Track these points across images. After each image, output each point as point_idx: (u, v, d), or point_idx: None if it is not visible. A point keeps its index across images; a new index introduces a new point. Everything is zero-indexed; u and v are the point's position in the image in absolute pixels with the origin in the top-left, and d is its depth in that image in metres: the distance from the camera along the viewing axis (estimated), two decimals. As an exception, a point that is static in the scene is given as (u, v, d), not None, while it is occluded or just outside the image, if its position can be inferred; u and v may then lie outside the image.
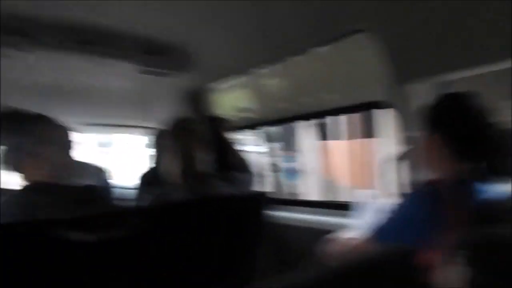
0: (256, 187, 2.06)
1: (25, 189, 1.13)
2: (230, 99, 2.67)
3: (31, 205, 1.08)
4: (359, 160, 8.01)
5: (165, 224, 1.15)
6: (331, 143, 9.26)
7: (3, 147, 1.13)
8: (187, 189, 1.44)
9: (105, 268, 1.05)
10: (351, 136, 8.45)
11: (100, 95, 2.51)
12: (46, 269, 0.98)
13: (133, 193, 1.98)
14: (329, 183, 9.01)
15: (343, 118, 8.43)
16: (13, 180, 1.23)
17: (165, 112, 2.76)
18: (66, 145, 1.22)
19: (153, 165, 2.10)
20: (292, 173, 8.96)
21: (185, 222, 1.19)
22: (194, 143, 1.48)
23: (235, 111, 2.65)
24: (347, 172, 8.44)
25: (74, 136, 1.23)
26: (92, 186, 1.24)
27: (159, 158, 1.74)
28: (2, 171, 1.18)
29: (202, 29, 1.82)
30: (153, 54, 2.03)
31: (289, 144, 9.51)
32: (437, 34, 1.19)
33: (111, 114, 2.76)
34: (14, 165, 1.14)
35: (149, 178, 1.68)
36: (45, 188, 1.12)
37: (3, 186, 1.25)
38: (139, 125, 2.98)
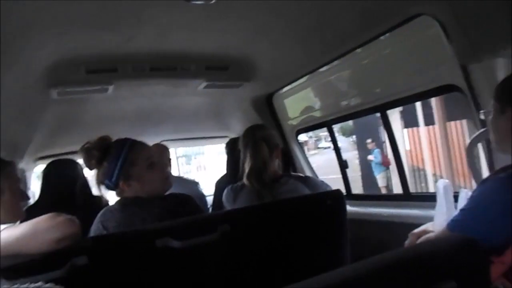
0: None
1: (123, 202, 1.29)
2: (297, 101, 2.70)
3: (127, 216, 1.24)
4: (444, 146, 7.54)
5: (251, 226, 1.23)
6: (413, 131, 8.91)
7: (103, 171, 1.31)
8: (266, 190, 1.54)
9: (201, 270, 1.16)
10: (429, 122, 8.00)
11: (176, 113, 2.72)
12: (150, 274, 1.11)
13: (216, 200, 2.12)
14: (417, 173, 8.63)
15: (418, 105, 8.04)
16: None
17: (237, 121, 2.90)
18: (159, 163, 1.37)
19: (230, 171, 2.25)
20: (378, 164, 8.89)
21: (268, 223, 1.26)
22: (268, 147, 1.60)
23: (304, 112, 2.68)
24: (432, 159, 7.99)
25: (167, 154, 1.38)
26: (184, 196, 1.38)
27: (235, 164, 1.86)
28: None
29: (260, 39, 1.90)
30: (218, 69, 2.17)
31: (373, 136, 9.41)
32: (503, 9, 1.11)
33: (189, 128, 2.98)
34: (113, 187, 1.31)
35: (226, 184, 1.79)
36: (141, 200, 1.28)
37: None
38: (216, 135, 3.16)
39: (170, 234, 1.16)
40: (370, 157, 9.44)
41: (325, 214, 1.38)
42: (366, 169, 9.86)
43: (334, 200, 1.42)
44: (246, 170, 1.59)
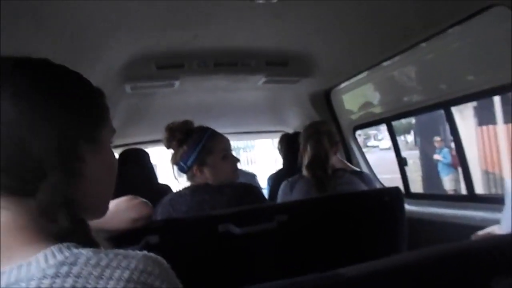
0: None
1: (194, 189, 1.39)
2: (355, 96, 2.67)
3: (198, 202, 1.33)
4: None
5: (308, 218, 1.28)
6: (487, 129, 8.19)
7: (181, 152, 1.41)
8: (325, 180, 1.60)
9: (258, 256, 1.23)
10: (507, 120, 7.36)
11: (236, 107, 2.83)
12: (216, 259, 1.20)
13: (272, 193, 2.19)
14: (488, 175, 7.90)
15: (496, 101, 7.39)
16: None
17: (294, 116, 2.94)
18: (231, 155, 1.46)
19: (288, 163, 2.30)
20: (447, 165, 8.18)
21: (325, 216, 1.30)
22: (329, 141, 1.67)
23: (362, 108, 2.64)
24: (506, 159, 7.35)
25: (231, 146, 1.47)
26: (250, 185, 1.46)
27: (293, 157, 1.92)
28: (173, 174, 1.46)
29: (320, 36, 1.91)
30: (277, 65, 2.22)
31: (441, 135, 8.75)
32: None
33: (247, 122, 3.07)
34: (186, 170, 1.41)
35: (283, 177, 1.85)
36: (211, 188, 1.37)
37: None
38: (272, 130, 3.23)
39: (232, 220, 1.23)
40: (437, 156, 8.65)
41: (382, 210, 1.38)
42: (429, 170, 9.04)
43: (392, 197, 1.42)
44: (306, 160, 1.66)
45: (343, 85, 2.57)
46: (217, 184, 1.36)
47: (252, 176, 2.45)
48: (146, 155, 2.26)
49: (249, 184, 1.47)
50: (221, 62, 2.13)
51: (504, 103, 7.38)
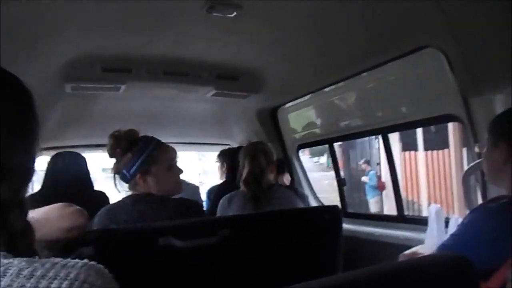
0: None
1: (136, 198, 1.33)
2: (299, 117, 2.77)
3: (139, 212, 1.28)
4: (436, 172, 7.58)
5: (250, 233, 1.28)
6: (407, 155, 8.84)
7: (125, 161, 1.35)
8: (261, 194, 1.69)
9: (200, 270, 1.20)
10: (426, 148, 8.03)
11: (183, 117, 2.79)
12: (151, 270, 1.16)
13: (212, 206, 2.17)
14: (408, 199, 8.45)
15: (418, 131, 8.04)
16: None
17: (240, 131, 2.97)
18: (177, 167, 1.43)
19: (229, 179, 2.31)
20: (373, 188, 8.44)
21: (267, 231, 1.31)
22: (266, 159, 1.76)
23: (306, 128, 2.74)
24: (424, 185, 8.01)
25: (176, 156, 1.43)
26: (193, 202, 1.44)
27: (234, 172, 1.95)
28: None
29: (272, 54, 1.97)
30: (228, 79, 2.24)
31: (367, 158, 9.19)
32: (506, 48, 1.19)
33: (194, 133, 3.03)
34: (128, 178, 1.35)
35: (224, 191, 1.87)
36: (154, 199, 1.32)
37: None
38: (218, 142, 3.22)
39: (174, 233, 1.20)
40: (364, 178, 8.84)
41: (322, 227, 1.43)
42: (351, 191, 8.99)
43: (332, 215, 1.47)
44: (244, 176, 1.73)
45: (289, 104, 2.66)
46: (160, 195, 1.33)
47: (196, 188, 2.42)
48: (82, 160, 2.12)
49: (192, 200, 1.45)
50: (171, 71, 2.10)
51: (424, 130, 8.01)
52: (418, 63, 1.71)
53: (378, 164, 9.07)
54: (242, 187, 1.74)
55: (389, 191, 7.75)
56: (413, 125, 1.98)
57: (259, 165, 1.73)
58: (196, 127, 2.94)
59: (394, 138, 8.25)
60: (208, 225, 1.32)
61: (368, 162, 8.99)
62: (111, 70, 1.94)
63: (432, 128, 7.54)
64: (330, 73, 2.09)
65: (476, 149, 1.30)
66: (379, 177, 8.56)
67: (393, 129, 2.09)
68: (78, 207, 1.06)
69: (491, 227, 0.98)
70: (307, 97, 2.48)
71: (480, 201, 1.51)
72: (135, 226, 1.22)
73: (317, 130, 2.69)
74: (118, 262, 1.14)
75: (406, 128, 2.16)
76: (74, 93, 2.10)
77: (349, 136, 2.54)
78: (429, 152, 8.12)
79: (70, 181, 1.97)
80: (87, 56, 1.79)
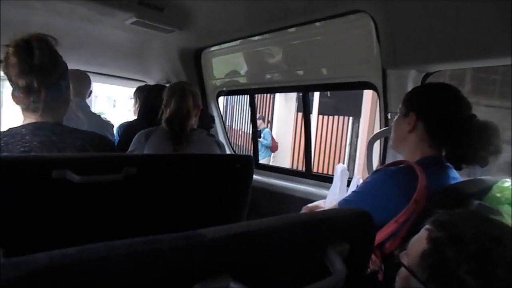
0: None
1: (38, 127, 1.16)
2: (223, 63, 2.68)
3: (42, 143, 1.12)
4: (333, 135, 8.15)
5: (158, 174, 1.22)
6: (309, 117, 9.03)
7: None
8: (182, 136, 1.65)
9: (100, 210, 1.12)
10: (322, 112, 8.33)
11: (95, 43, 2.48)
12: (45, 204, 1.04)
13: (123, 143, 2.03)
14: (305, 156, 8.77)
15: (316, 94, 8.30)
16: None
17: (160, 69, 2.77)
18: (77, 90, 1.25)
19: (143, 115, 2.18)
20: (266, 147, 7.91)
21: (178, 173, 1.26)
22: (192, 102, 1.70)
23: (229, 75, 2.67)
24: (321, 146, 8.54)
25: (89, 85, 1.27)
26: (102, 135, 1.30)
27: (150, 110, 1.84)
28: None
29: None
30: (152, 7, 2.02)
31: (262, 115, 9.07)
32: (431, 26, 1.25)
33: (106, 63, 2.73)
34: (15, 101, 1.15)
35: (137, 128, 1.76)
36: (62, 128, 1.16)
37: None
38: (134, 78, 2.97)
39: (70, 167, 1.08)
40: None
41: (233, 175, 1.43)
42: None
43: (244, 165, 1.48)
44: (168, 114, 1.66)
45: (214, 48, 2.54)
46: (68, 126, 1.17)
47: (111, 126, 2.23)
48: None
49: (103, 135, 1.31)
50: (85, -16, 1.82)
51: (321, 95, 7.94)
52: (347, 27, 1.73)
53: (270, 122, 8.84)
54: (163, 125, 1.67)
55: (277, 153, 7.98)
56: (333, 87, 2.05)
57: (187, 106, 1.67)
58: (108, 57, 2.65)
59: (291, 97, 8.20)
60: (112, 161, 1.21)
61: (263, 119, 8.13)
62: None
63: (328, 93, 7.66)
64: (261, 23, 2.02)
65: (389, 116, 1.39)
66: (273, 137, 8.03)
67: (313, 88, 2.14)
68: None
69: (388, 186, 1.08)
70: (233, 43, 2.38)
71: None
72: (24, 155, 1.07)
73: (239, 79, 2.64)
74: (9, 193, 1.00)
75: (325, 89, 2.23)
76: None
77: (269, 90, 2.54)
78: (321, 116, 8.17)
79: None
80: None
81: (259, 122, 7.34)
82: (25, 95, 1.14)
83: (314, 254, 0.49)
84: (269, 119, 8.96)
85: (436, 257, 0.64)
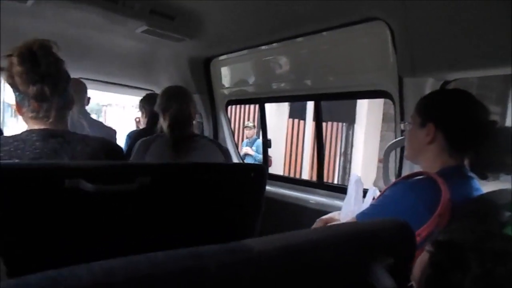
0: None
1: (48, 133, 1.14)
2: (232, 72, 2.67)
3: (52, 150, 1.10)
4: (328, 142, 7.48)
5: (172, 183, 1.19)
6: (321, 126, 8.73)
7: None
8: (183, 142, 1.60)
9: (111, 218, 1.09)
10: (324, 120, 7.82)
11: (105, 52, 2.47)
12: (56, 213, 1.01)
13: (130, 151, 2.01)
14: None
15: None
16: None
17: (168, 77, 2.76)
18: (77, 98, 1.23)
19: (147, 125, 2.16)
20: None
21: (191, 183, 1.23)
22: (192, 107, 1.67)
23: (238, 84, 2.65)
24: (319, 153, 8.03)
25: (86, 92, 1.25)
26: (113, 143, 1.27)
27: (155, 118, 1.82)
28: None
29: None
30: (163, 16, 2.02)
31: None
32: (449, 33, 1.23)
33: (114, 72, 2.72)
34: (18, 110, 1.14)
35: (143, 136, 1.74)
36: (72, 136, 1.14)
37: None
38: (143, 87, 2.96)
39: (84, 175, 1.05)
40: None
41: (246, 185, 1.40)
42: None
43: (257, 174, 1.45)
44: (168, 119, 1.60)
45: (223, 57, 2.53)
46: (79, 133, 1.15)
47: (114, 132, 2.22)
48: None
49: (114, 142, 1.29)
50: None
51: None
52: (359, 34, 1.71)
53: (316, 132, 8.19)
54: (166, 132, 1.61)
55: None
56: (347, 96, 2.02)
57: (189, 109, 1.62)
58: (117, 65, 2.64)
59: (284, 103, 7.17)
60: (126, 170, 1.18)
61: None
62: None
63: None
64: (271, 31, 2.01)
65: (402, 127, 1.35)
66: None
67: (326, 97, 2.12)
68: None
69: (409, 199, 1.04)
70: (243, 52, 2.37)
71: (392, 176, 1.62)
72: (36, 163, 1.04)
73: (249, 88, 2.62)
74: (19, 202, 0.97)
75: (338, 98, 2.20)
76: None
77: (279, 99, 2.52)
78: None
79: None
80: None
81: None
82: (38, 103, 1.12)
83: (357, 267, 0.45)
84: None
85: (442, 283, 0.60)
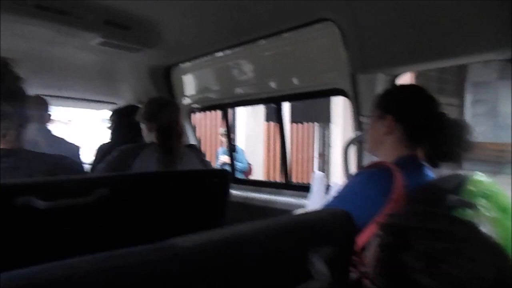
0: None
1: (5, 154, 1.10)
2: (194, 79, 2.66)
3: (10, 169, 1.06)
4: (304, 143, 7.44)
5: (133, 194, 1.17)
6: (283, 128, 8.50)
7: None
8: (174, 154, 1.58)
9: (67, 233, 1.06)
10: (293, 120, 7.48)
11: (61, 66, 2.41)
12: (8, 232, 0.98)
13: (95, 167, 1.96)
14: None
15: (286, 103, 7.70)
16: None
17: (129, 88, 2.71)
18: (37, 115, 1.20)
19: (116, 139, 2.11)
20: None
21: (152, 192, 1.22)
22: (177, 118, 1.64)
23: (201, 92, 2.65)
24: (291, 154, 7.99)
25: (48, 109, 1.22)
26: (70, 158, 1.24)
27: (125, 132, 1.78)
28: None
29: (169, 5, 1.80)
30: (118, 27, 1.99)
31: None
32: (395, 30, 1.28)
33: (73, 86, 2.66)
34: None
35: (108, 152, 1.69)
36: (27, 154, 1.11)
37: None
38: (104, 100, 2.90)
39: (34, 192, 1.02)
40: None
41: (210, 190, 1.40)
42: None
43: (220, 179, 1.45)
44: (157, 129, 1.59)
45: (184, 65, 2.52)
46: (33, 151, 1.12)
47: (76, 148, 2.16)
48: None
49: (71, 158, 1.25)
50: (47, 6, 1.76)
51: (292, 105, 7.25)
52: (314, 36, 1.76)
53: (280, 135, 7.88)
54: (156, 140, 1.58)
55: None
56: (305, 96, 2.06)
57: (180, 118, 1.62)
58: (75, 79, 2.57)
59: (260, 107, 7.07)
60: (81, 183, 1.16)
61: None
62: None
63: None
64: (230, 36, 2.02)
65: (363, 120, 1.40)
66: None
67: (286, 99, 2.15)
68: None
69: (367, 189, 1.07)
70: (204, 59, 2.37)
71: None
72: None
73: (211, 95, 2.62)
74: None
75: (298, 98, 2.24)
76: None
77: (243, 103, 2.54)
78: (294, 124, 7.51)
79: None
80: None
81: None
82: None
83: (296, 258, 0.47)
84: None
85: (392, 264, 0.62)
